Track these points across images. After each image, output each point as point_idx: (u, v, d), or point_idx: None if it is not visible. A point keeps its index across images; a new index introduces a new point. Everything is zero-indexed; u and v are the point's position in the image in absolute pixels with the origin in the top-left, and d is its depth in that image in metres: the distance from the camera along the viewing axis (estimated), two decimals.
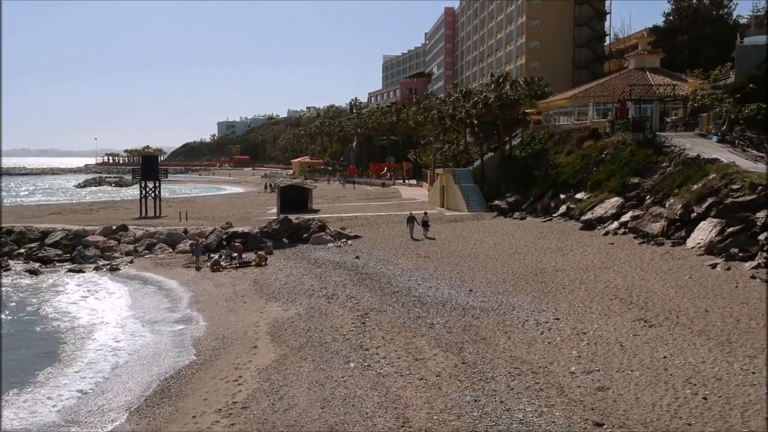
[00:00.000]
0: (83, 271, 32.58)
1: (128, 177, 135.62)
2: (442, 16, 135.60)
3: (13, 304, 26.31)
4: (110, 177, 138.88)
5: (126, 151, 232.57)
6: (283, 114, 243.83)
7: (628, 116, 43.47)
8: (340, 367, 16.05)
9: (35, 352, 19.67)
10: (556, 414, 12.85)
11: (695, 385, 13.83)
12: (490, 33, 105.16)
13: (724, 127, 37.93)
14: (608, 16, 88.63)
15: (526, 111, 55.16)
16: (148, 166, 52.89)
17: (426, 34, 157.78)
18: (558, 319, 19.32)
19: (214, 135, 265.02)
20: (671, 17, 70.89)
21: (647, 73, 52.10)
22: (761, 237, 23.96)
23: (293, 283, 26.87)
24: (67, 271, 32.68)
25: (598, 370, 15.02)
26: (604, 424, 12.29)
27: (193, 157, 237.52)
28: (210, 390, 15.35)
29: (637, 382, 14.17)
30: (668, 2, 72.36)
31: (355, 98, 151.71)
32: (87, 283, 29.90)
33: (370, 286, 25.17)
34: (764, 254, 23.02)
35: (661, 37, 67.25)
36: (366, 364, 16.23)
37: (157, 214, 49.62)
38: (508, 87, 52.63)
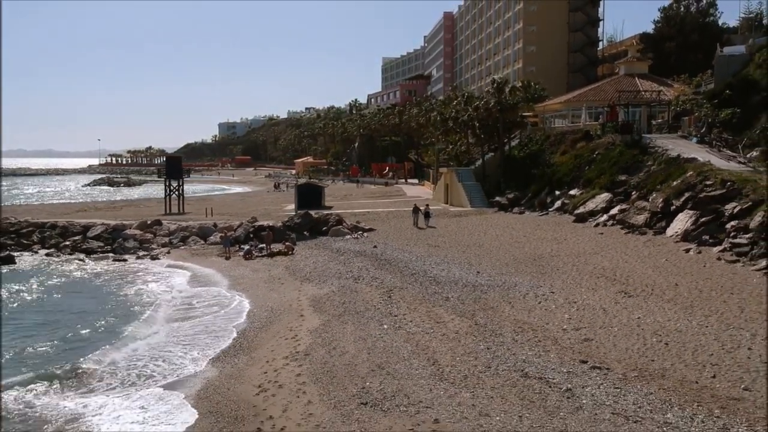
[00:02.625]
0: (125, 260, 36.26)
1: (134, 177, 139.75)
2: (441, 20, 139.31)
3: (81, 282, 30.46)
4: (118, 177, 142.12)
5: (128, 151, 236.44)
6: (284, 115, 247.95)
7: (617, 119, 47.22)
8: (376, 328, 19.79)
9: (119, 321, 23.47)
10: (551, 356, 16.62)
11: (660, 335, 17.63)
12: (488, 37, 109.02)
13: (703, 130, 41.71)
14: (601, 23, 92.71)
15: (524, 114, 58.99)
16: (172, 166, 56.62)
17: (425, 37, 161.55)
18: (553, 292, 23.10)
19: (216, 136, 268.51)
20: (660, 25, 74.80)
21: (636, 78, 55.96)
22: (728, 226, 27.77)
23: (321, 268, 30.58)
24: (112, 260, 36.38)
25: (585, 328, 18.80)
26: (588, 362, 16.05)
27: (195, 157, 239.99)
28: (274, 345, 19.09)
29: (615, 335, 17.97)
30: (658, 10, 76.43)
31: (355, 99, 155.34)
32: (141, 271, 33.50)
33: (390, 270, 28.91)
34: (730, 240, 26.83)
35: (650, 43, 71.07)
36: (397, 326, 19.97)
37: (181, 210, 53.22)
38: (507, 92, 56.31)
